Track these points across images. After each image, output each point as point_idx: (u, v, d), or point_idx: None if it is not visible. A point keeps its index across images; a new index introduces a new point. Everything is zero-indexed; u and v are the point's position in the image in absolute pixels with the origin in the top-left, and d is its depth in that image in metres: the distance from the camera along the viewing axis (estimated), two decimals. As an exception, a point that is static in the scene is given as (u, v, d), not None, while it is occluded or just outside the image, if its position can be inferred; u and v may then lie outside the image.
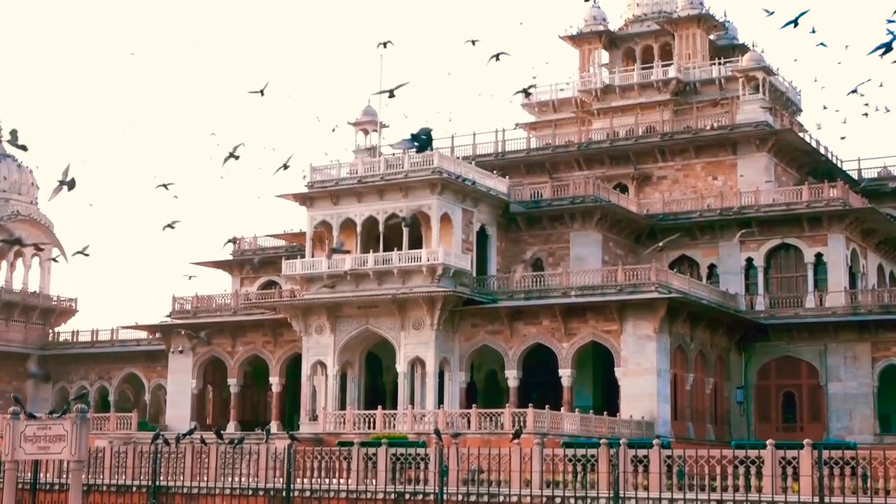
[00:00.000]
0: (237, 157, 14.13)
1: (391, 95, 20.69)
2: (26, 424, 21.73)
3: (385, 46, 21.48)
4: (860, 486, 17.60)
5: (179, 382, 52.28)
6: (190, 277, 52.40)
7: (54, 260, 60.35)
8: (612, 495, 17.88)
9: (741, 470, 18.67)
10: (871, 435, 43.33)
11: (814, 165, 54.95)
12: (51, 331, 62.93)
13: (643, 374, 41.73)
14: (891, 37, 12.98)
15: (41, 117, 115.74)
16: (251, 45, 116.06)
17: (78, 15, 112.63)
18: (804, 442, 18.88)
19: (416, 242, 44.81)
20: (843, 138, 66.30)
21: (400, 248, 44.59)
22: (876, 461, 17.91)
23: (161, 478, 21.82)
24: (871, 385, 45.37)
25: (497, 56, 22.34)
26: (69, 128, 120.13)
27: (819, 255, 47.74)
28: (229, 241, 49.31)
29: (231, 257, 58.50)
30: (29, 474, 18.98)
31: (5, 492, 19.61)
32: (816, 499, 16.14)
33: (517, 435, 31.40)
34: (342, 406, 44.73)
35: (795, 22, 14.06)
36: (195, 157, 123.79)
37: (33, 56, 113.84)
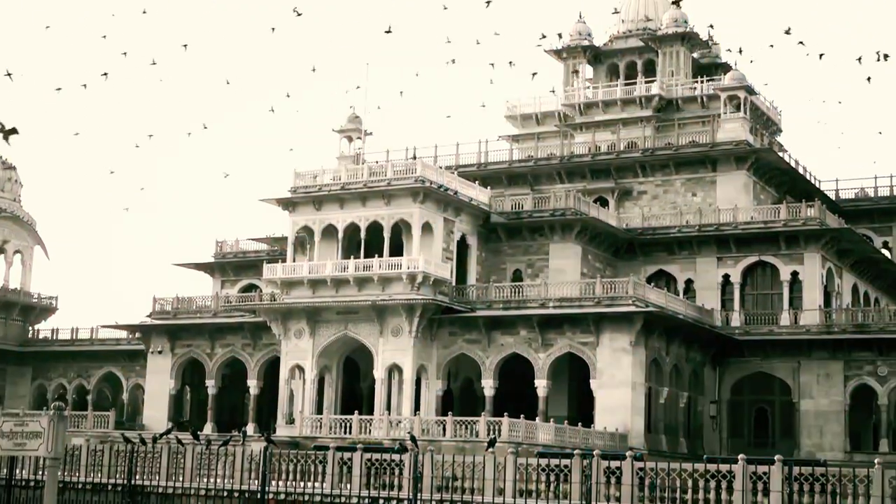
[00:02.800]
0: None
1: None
2: (3, 420, 21.63)
3: (389, 32, 21.17)
4: (829, 503, 17.69)
5: (157, 382, 52.15)
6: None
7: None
8: (584, 506, 17.92)
9: (712, 484, 18.72)
10: (842, 452, 43.54)
11: (792, 185, 55.24)
12: (31, 328, 62.62)
13: (618, 386, 41.82)
14: None
15: (25, 111, 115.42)
16: (236, 51, 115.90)
17: (66, 17, 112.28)
18: (775, 458, 18.94)
19: (396, 250, 44.81)
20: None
21: (381, 255, 44.59)
22: (846, 478, 17.99)
23: (137, 477, 21.73)
24: (842, 403, 45.60)
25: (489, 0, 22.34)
26: (53, 121, 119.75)
27: (795, 274, 47.98)
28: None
29: (212, 260, 58.48)
30: (5, 470, 18.86)
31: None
32: (785, 514, 16.22)
33: (492, 444, 31.46)
34: (319, 410, 44.70)
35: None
36: (179, 158, 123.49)
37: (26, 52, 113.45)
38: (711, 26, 61.17)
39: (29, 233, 63.22)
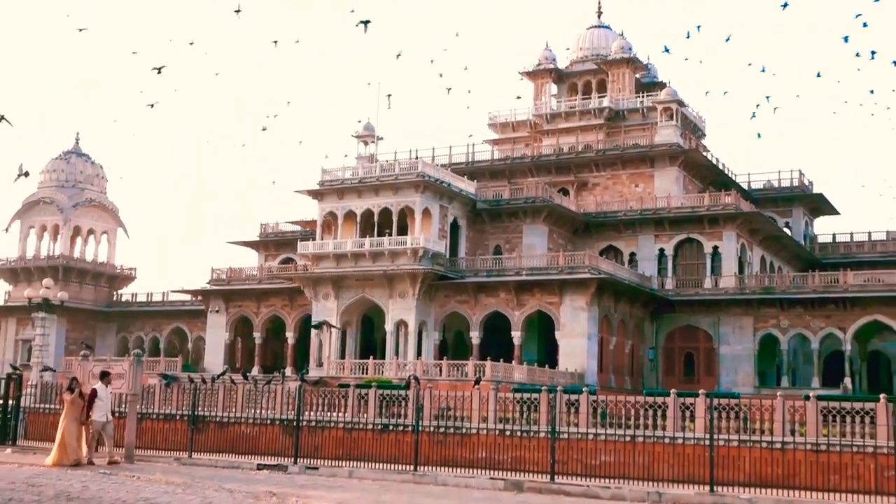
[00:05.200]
0: (27, 175, 13.80)
1: None
2: (94, 364, 21.60)
3: (365, 25, 20.57)
4: (741, 427, 17.75)
5: (215, 335, 52.17)
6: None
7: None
8: (549, 430, 17.94)
9: (650, 412, 18.77)
10: (752, 387, 43.71)
11: (713, 178, 55.18)
12: (115, 293, 62.53)
13: (577, 337, 41.91)
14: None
15: (106, 117, 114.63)
16: (264, 63, 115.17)
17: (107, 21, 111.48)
18: (699, 392, 19.00)
19: (402, 230, 44.78)
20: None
21: (391, 235, 44.56)
22: (754, 408, 18.07)
23: (199, 409, 21.74)
24: (752, 349, 45.75)
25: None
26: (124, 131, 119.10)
27: (715, 248, 48.02)
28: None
29: (258, 238, 58.39)
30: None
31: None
32: (707, 435, 16.24)
33: (477, 381, 31.54)
34: (342, 356, 44.75)
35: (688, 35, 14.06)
36: (231, 156, 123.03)
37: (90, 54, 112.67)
38: (648, 57, 60.79)
39: (113, 218, 63.00)
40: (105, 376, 18.85)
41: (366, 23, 20.55)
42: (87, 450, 18.13)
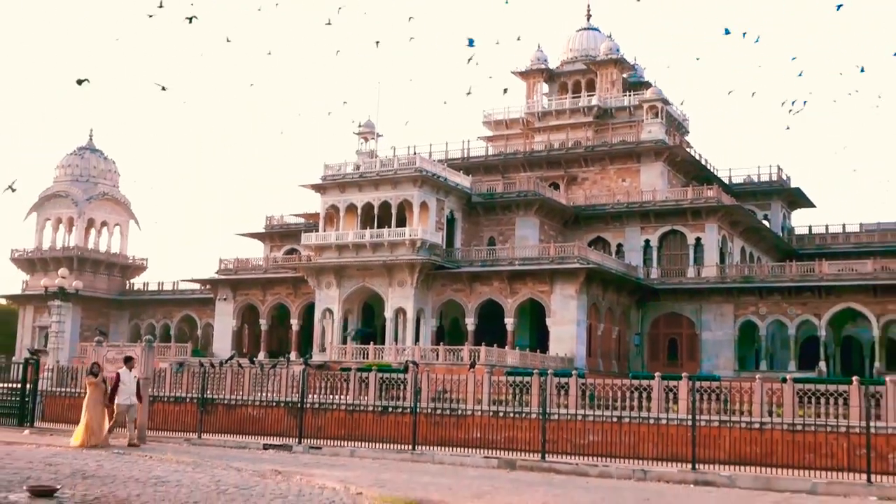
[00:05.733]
0: (14, 190, 13.74)
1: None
2: (108, 349, 21.60)
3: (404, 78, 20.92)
4: (722, 408, 17.80)
5: (223, 322, 52.14)
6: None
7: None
8: (540, 411, 17.98)
9: (636, 395, 18.82)
10: (732, 371, 43.86)
11: (696, 173, 55.21)
12: (127, 282, 62.47)
13: (567, 323, 41.97)
14: None
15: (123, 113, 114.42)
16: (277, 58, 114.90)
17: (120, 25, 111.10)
18: (682, 375, 19.04)
19: (401, 222, 44.74)
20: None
21: (390, 227, 44.52)
22: (734, 390, 18.12)
23: (208, 392, 21.75)
24: (732, 335, 45.86)
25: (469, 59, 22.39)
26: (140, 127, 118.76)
27: (698, 239, 48.06)
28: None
29: (263, 230, 58.33)
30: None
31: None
32: (690, 416, 16.29)
33: (472, 365, 31.60)
34: (343, 341, 44.76)
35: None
36: (239, 152, 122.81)
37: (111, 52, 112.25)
38: (635, 58, 60.76)
39: (125, 210, 62.87)
40: (129, 361, 18.84)
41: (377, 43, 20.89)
42: (106, 432, 18.10)
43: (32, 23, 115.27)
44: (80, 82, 10.19)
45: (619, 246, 49.67)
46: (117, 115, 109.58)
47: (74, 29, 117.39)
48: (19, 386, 22.87)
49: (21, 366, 23.36)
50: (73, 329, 54.38)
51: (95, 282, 59.57)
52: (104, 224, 61.93)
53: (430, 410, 19.77)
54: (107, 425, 18.00)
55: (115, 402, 18.09)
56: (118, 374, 18.35)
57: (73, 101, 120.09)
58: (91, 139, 62.88)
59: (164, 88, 10.39)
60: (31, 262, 60.36)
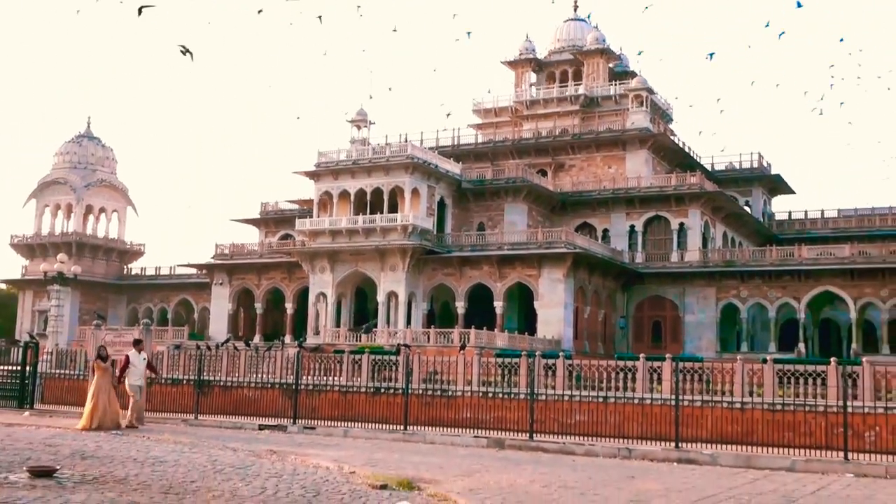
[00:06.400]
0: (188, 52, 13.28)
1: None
2: (105, 332, 21.52)
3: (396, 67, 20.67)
4: (704, 388, 17.87)
5: (220, 306, 51.98)
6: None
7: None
8: (529, 392, 18.01)
9: (621, 375, 18.87)
10: (714, 352, 44.05)
11: (680, 160, 55.22)
12: (125, 267, 62.27)
13: (554, 306, 42.03)
14: None
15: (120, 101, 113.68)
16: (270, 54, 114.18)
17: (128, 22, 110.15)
18: (666, 356, 19.10)
19: (393, 208, 44.64)
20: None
21: (382, 213, 44.41)
22: (716, 371, 18.18)
23: (204, 374, 21.70)
24: (715, 317, 46.05)
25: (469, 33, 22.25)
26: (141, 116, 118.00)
27: (682, 224, 48.15)
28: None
29: (258, 216, 58.13)
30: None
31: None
32: (673, 396, 16.36)
33: (462, 347, 31.63)
34: (337, 324, 44.75)
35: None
36: (234, 139, 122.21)
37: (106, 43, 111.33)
38: (621, 48, 60.70)
39: (123, 197, 62.59)
40: (138, 343, 18.81)
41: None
42: (122, 413, 17.97)
43: (31, 12, 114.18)
44: (140, 11, 9.73)
45: (605, 231, 49.71)
46: (115, 103, 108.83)
47: (72, 18, 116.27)
48: (19, 368, 22.79)
49: (21, 349, 23.26)
50: (72, 313, 54.11)
51: (94, 267, 59.35)
52: (102, 210, 61.66)
53: (421, 391, 19.78)
54: (118, 407, 17.90)
55: (127, 382, 18.09)
56: (127, 357, 18.34)
57: (71, 89, 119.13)
58: (89, 127, 62.52)
59: (186, 51, 9.90)
60: (30, 248, 60.07)
